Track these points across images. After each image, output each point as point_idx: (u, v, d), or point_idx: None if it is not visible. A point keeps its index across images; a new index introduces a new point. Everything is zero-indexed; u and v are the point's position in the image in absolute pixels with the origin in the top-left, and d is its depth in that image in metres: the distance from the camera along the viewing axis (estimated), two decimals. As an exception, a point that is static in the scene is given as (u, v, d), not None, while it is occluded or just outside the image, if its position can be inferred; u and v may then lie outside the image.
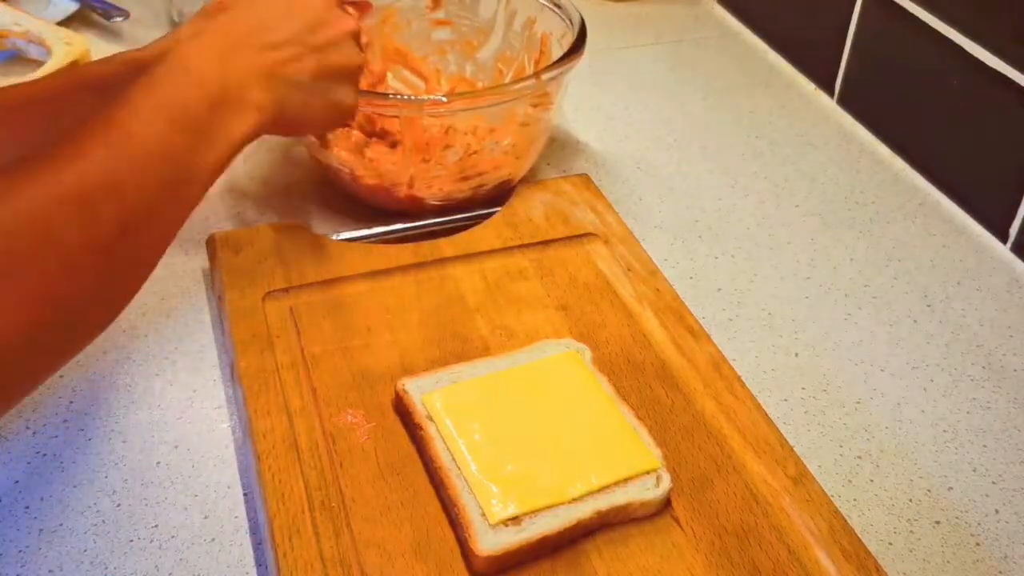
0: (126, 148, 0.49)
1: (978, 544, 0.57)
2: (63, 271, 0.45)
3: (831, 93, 0.99)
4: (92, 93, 0.70)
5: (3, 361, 0.43)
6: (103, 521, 0.56)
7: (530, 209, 0.77)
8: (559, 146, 0.90)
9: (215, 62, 0.55)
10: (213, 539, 0.56)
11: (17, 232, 0.44)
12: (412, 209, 0.77)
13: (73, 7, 1.02)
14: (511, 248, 0.73)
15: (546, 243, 0.74)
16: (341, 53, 0.63)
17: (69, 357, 0.49)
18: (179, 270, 0.73)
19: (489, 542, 0.52)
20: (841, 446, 0.63)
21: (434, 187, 0.76)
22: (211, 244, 0.72)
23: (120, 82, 0.71)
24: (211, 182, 0.55)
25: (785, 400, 0.66)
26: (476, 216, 0.77)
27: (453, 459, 0.56)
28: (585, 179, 0.81)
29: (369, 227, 0.76)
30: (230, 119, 0.55)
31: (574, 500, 0.54)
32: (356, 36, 0.64)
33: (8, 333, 0.43)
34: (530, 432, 0.58)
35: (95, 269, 0.47)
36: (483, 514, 0.53)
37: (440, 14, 0.89)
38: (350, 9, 0.67)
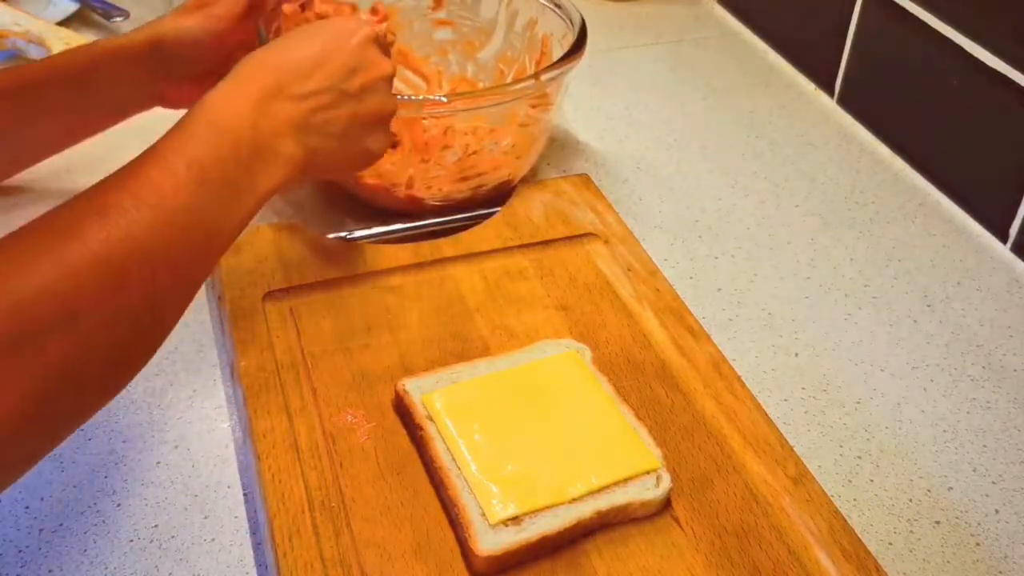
0: (157, 212, 0.46)
1: (978, 544, 0.57)
2: (81, 343, 0.43)
3: (831, 93, 0.99)
4: (65, 84, 0.70)
5: (11, 432, 0.41)
6: (103, 521, 0.56)
7: (530, 209, 0.77)
8: (559, 146, 0.90)
9: (248, 116, 0.53)
10: (213, 539, 0.56)
11: (37, 302, 0.41)
12: (412, 209, 0.77)
13: (73, 7, 1.02)
14: (511, 248, 0.73)
15: (546, 243, 0.74)
16: (376, 99, 0.60)
17: (77, 426, 0.47)
18: (179, 270, 0.73)
19: (489, 542, 0.52)
20: (841, 446, 0.63)
21: (433, 187, 0.76)
22: (211, 244, 0.72)
23: (99, 74, 0.71)
24: (236, 237, 0.53)
25: (785, 400, 0.66)
26: (476, 216, 0.77)
27: (453, 459, 0.56)
28: (585, 179, 0.81)
29: (369, 227, 0.76)
30: (261, 174, 0.53)
31: (574, 500, 0.54)
32: (391, 79, 0.62)
33: (16, 406, 0.41)
34: (530, 432, 0.58)
35: (113, 339, 0.45)
36: (483, 514, 0.53)
37: (442, 14, 0.89)
38: (373, 18, 0.65)
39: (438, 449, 0.56)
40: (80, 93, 0.71)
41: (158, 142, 0.50)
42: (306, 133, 0.56)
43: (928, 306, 0.75)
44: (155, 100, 0.75)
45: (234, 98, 0.53)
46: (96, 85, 0.71)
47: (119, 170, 0.48)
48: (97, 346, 0.44)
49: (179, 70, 0.73)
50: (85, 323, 0.43)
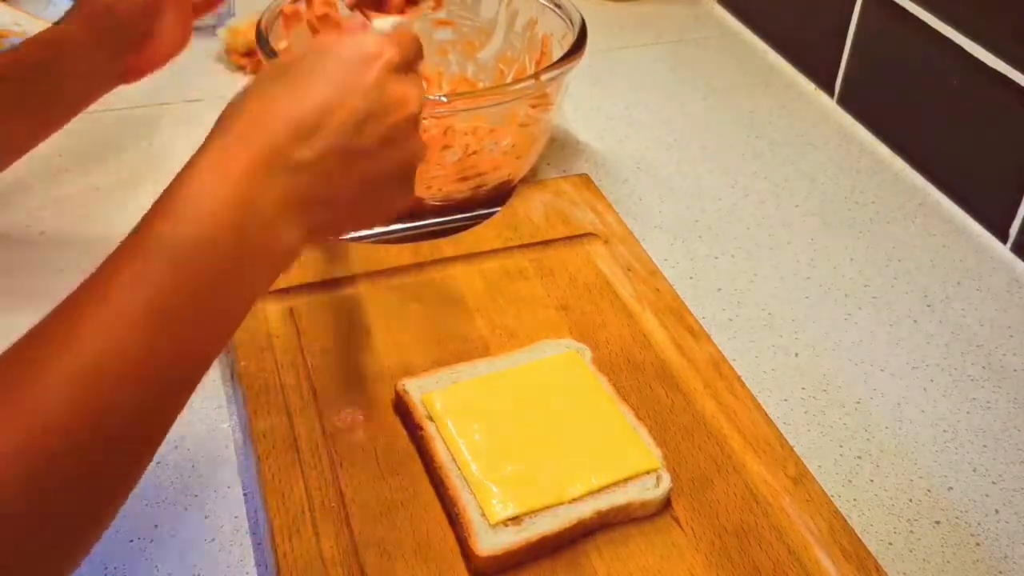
0: (109, 365, 0.38)
1: (978, 544, 0.57)
2: (82, 471, 0.40)
3: (831, 93, 0.99)
4: (25, 81, 0.66)
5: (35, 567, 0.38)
6: (103, 521, 0.56)
7: (530, 209, 0.77)
8: (559, 146, 0.90)
9: (233, 204, 0.42)
10: (213, 539, 0.56)
11: (57, 424, 0.37)
12: (412, 209, 0.77)
13: (73, 7, 1.02)
14: (511, 248, 0.73)
15: (546, 243, 0.74)
16: (396, 152, 0.48)
17: (86, 552, 0.42)
18: (179, 270, 0.73)
19: (489, 542, 0.52)
20: (841, 446, 0.63)
21: (433, 187, 0.76)
22: (211, 244, 0.72)
23: (60, 64, 0.66)
24: (229, 340, 0.45)
25: (785, 400, 0.66)
26: (476, 216, 0.77)
27: (453, 459, 0.56)
28: (585, 179, 0.81)
29: (369, 227, 0.76)
30: (252, 274, 0.43)
31: (574, 500, 0.54)
32: (417, 119, 0.49)
33: (41, 543, 0.38)
34: (530, 432, 0.58)
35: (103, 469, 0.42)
36: (483, 514, 0.53)
37: (441, 14, 0.89)
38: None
39: (438, 449, 0.56)
40: (44, 88, 0.67)
41: (118, 250, 0.40)
42: (306, 210, 0.44)
43: (928, 306, 0.75)
44: (119, 78, 0.71)
45: (216, 177, 0.42)
46: (58, 77, 0.67)
47: (79, 290, 0.40)
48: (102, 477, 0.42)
49: (136, 30, 0.69)
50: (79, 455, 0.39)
